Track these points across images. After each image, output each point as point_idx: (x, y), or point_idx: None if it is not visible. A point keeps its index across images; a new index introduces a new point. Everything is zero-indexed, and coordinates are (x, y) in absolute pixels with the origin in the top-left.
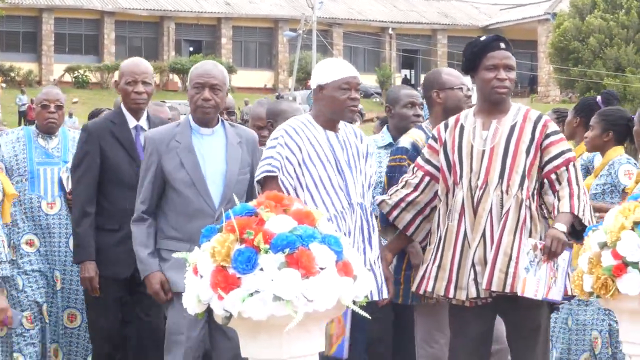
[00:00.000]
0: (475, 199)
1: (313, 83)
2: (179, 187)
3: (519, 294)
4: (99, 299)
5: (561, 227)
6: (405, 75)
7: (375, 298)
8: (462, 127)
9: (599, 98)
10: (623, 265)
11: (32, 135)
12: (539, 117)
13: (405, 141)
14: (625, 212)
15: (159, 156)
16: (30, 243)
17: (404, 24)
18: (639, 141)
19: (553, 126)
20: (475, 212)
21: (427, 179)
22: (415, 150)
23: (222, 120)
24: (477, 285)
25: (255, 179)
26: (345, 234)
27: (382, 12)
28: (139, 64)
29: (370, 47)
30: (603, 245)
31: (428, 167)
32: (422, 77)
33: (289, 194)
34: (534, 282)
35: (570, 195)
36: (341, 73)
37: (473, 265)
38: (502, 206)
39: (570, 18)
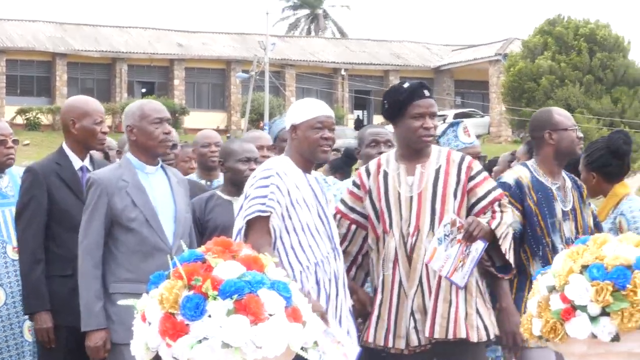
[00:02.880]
0: (409, 247)
1: (287, 123)
2: (132, 226)
3: (426, 262)
4: (54, 351)
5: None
6: (358, 116)
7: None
8: (385, 174)
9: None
10: (571, 309)
11: None
12: (462, 159)
13: (509, 177)
14: (573, 256)
15: (109, 197)
16: None
17: (356, 65)
18: (584, 178)
19: (477, 166)
20: (409, 259)
21: (353, 227)
22: (519, 188)
23: (159, 160)
24: (417, 333)
25: (246, 218)
26: (330, 280)
27: (334, 53)
28: (98, 103)
29: (322, 88)
30: (552, 289)
31: (353, 216)
32: (375, 117)
33: (274, 235)
34: (443, 257)
35: (493, 218)
36: (314, 112)
37: (412, 313)
38: None
39: (523, 59)
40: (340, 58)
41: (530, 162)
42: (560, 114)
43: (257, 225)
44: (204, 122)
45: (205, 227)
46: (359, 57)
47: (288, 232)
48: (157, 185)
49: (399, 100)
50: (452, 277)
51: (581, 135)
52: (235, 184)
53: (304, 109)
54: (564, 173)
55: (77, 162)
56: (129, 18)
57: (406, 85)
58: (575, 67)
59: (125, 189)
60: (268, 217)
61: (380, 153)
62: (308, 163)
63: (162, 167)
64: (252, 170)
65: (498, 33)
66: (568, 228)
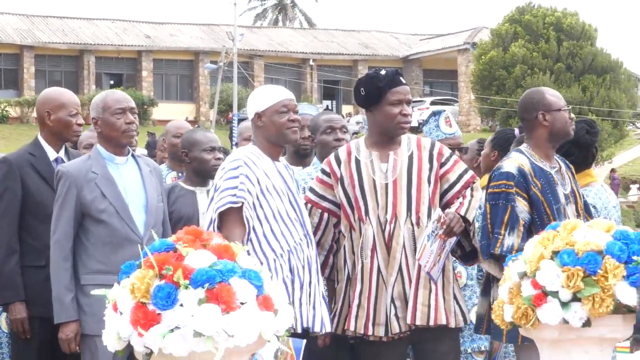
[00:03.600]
0: (387, 234)
1: (250, 112)
2: (102, 218)
3: (417, 259)
4: (29, 341)
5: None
6: (327, 106)
7: (317, 330)
8: (357, 161)
9: (517, 130)
10: (543, 295)
11: None
12: (433, 145)
13: (510, 166)
14: (544, 242)
15: (78, 189)
16: None
17: (325, 55)
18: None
19: (446, 151)
20: (388, 247)
21: (326, 215)
22: (522, 177)
23: (129, 150)
24: (398, 320)
25: (218, 210)
26: (304, 266)
27: (302, 44)
28: (73, 94)
29: (291, 78)
30: (523, 275)
31: (325, 204)
32: (344, 107)
33: (248, 225)
34: (428, 253)
35: (461, 205)
36: (277, 97)
37: (392, 301)
38: (414, 239)
39: (494, 48)
40: (309, 48)
41: (524, 148)
42: (553, 95)
43: (230, 217)
44: (173, 113)
45: (169, 218)
46: (328, 47)
47: (260, 221)
48: (127, 175)
49: (378, 87)
50: (431, 272)
51: (573, 115)
52: (200, 174)
53: (265, 95)
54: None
55: (52, 154)
56: (96, 10)
57: (383, 72)
58: (545, 56)
59: (94, 180)
60: (240, 207)
61: (337, 139)
62: (276, 149)
63: (133, 156)
64: (218, 159)
65: (466, 22)
66: (571, 211)
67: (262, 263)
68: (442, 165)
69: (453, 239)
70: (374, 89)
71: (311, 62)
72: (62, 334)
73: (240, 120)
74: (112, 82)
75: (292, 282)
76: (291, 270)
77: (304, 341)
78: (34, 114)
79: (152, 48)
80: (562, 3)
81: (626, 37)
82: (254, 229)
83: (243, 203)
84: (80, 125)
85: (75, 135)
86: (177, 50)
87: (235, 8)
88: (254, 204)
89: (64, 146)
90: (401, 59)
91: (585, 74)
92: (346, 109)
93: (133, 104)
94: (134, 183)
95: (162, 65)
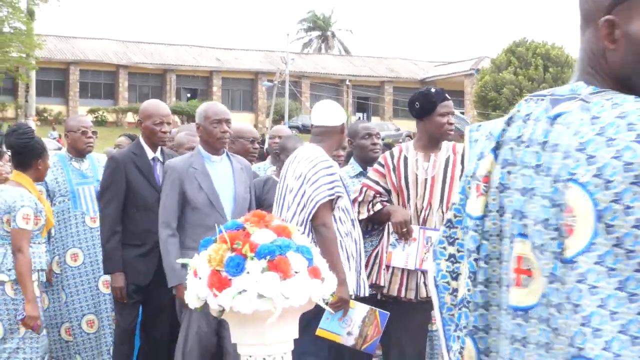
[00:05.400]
0: (422, 218)
1: (334, 121)
2: (198, 206)
3: (386, 264)
4: (125, 304)
5: None
6: (359, 118)
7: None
8: (405, 158)
9: None
10: None
11: (66, 160)
12: (464, 151)
13: None
14: None
15: (181, 181)
16: (74, 257)
17: (358, 77)
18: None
19: None
20: None
21: (373, 194)
22: None
23: (224, 150)
24: (426, 287)
25: (320, 201)
26: (353, 246)
27: (341, 67)
28: (165, 107)
29: (331, 95)
30: None
31: (377, 187)
32: (373, 119)
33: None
34: (403, 256)
35: None
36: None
37: (422, 270)
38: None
39: (490, 73)
40: (346, 71)
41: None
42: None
43: (327, 207)
44: (237, 121)
45: (261, 204)
46: (361, 71)
47: (339, 209)
48: (220, 171)
49: (432, 101)
50: (424, 266)
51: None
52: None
53: (343, 112)
54: None
55: (150, 153)
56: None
57: (434, 90)
58: (531, 79)
59: (194, 174)
60: (332, 200)
61: (373, 143)
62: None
63: (227, 155)
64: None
65: (472, 52)
66: None
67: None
68: None
69: (435, 233)
70: (428, 103)
71: (347, 82)
72: (179, 294)
73: (291, 128)
74: (189, 95)
75: (349, 259)
76: (348, 250)
77: (388, 314)
78: (127, 119)
79: (221, 69)
80: (554, 37)
81: None
82: (333, 216)
83: (340, 196)
84: (164, 132)
85: (161, 140)
86: (241, 71)
87: (287, 38)
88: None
89: (159, 147)
90: (419, 81)
91: None
92: (374, 119)
93: (229, 116)
94: (225, 178)
95: (229, 83)
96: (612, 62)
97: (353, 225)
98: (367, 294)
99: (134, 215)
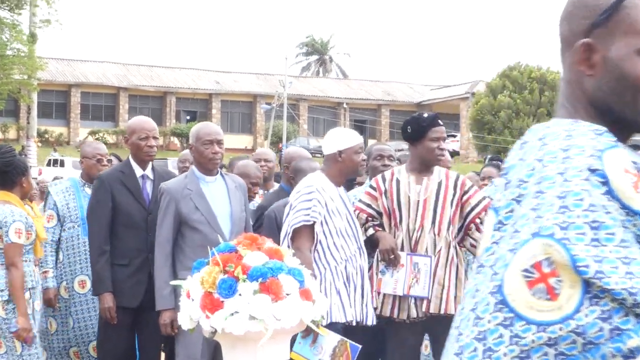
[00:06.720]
0: (413, 240)
1: (332, 148)
2: (196, 226)
3: (376, 290)
4: (114, 326)
5: None
6: None
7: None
8: (397, 181)
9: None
10: None
11: (79, 185)
12: (457, 177)
13: None
14: None
15: (176, 202)
16: (82, 284)
17: (355, 100)
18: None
19: (468, 183)
20: (413, 250)
21: (366, 217)
22: None
23: (218, 170)
24: (417, 308)
25: (293, 226)
26: (357, 273)
27: (338, 90)
28: (149, 121)
29: (328, 117)
30: None
31: (369, 210)
32: (369, 141)
33: (315, 239)
34: (392, 282)
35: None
36: (355, 140)
37: (411, 296)
38: (435, 245)
39: (486, 97)
40: (343, 94)
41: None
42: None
43: (302, 232)
44: (235, 143)
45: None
46: (358, 94)
47: (325, 236)
48: (215, 191)
49: (422, 125)
50: (411, 292)
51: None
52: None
53: (347, 137)
54: None
55: (139, 171)
56: (177, 60)
57: (426, 115)
58: (528, 103)
59: (190, 195)
60: (312, 225)
61: (384, 165)
62: (343, 179)
63: (221, 175)
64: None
65: (467, 75)
66: None
67: (325, 269)
68: (465, 192)
69: (427, 261)
70: (419, 128)
71: (344, 105)
72: (161, 319)
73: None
74: (188, 117)
75: (349, 284)
76: (348, 277)
77: (359, 347)
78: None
79: (220, 91)
80: (548, 60)
81: None
82: (320, 242)
83: (315, 222)
84: (150, 146)
85: (147, 155)
86: (240, 94)
87: (286, 61)
88: (322, 222)
89: (150, 164)
90: (415, 104)
91: None
92: (371, 142)
93: (220, 137)
94: (221, 197)
95: (228, 105)
96: (589, 90)
97: (359, 251)
98: (374, 323)
99: (121, 233)
